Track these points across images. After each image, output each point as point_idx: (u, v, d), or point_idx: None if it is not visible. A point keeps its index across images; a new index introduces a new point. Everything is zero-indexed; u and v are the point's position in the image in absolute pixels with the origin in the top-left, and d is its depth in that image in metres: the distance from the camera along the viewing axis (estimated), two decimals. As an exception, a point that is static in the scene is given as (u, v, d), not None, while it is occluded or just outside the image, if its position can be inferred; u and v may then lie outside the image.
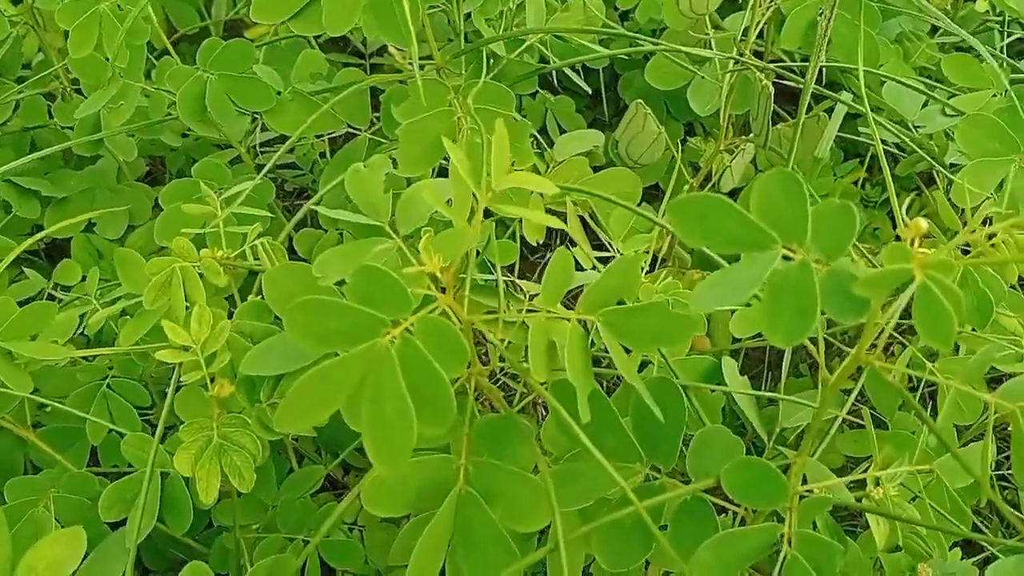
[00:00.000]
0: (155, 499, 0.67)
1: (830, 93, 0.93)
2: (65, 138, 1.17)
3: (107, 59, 0.91)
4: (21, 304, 1.01)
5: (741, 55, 0.89)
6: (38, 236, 0.88)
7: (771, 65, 0.88)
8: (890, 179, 0.75)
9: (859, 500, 0.73)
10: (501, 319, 0.61)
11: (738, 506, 0.64)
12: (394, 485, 0.60)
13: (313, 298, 0.45)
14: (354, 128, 0.94)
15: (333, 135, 1.08)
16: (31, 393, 0.84)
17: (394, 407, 0.47)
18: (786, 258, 0.45)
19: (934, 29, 1.23)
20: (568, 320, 0.57)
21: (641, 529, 0.59)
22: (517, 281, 0.76)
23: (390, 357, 0.47)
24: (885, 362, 0.57)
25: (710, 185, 1.07)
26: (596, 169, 1.02)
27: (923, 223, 0.44)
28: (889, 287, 0.42)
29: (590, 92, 1.12)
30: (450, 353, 0.48)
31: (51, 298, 0.96)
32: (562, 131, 1.22)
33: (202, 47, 0.92)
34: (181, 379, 0.66)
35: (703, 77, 0.97)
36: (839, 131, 1.07)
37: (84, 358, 0.84)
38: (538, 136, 1.09)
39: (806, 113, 0.94)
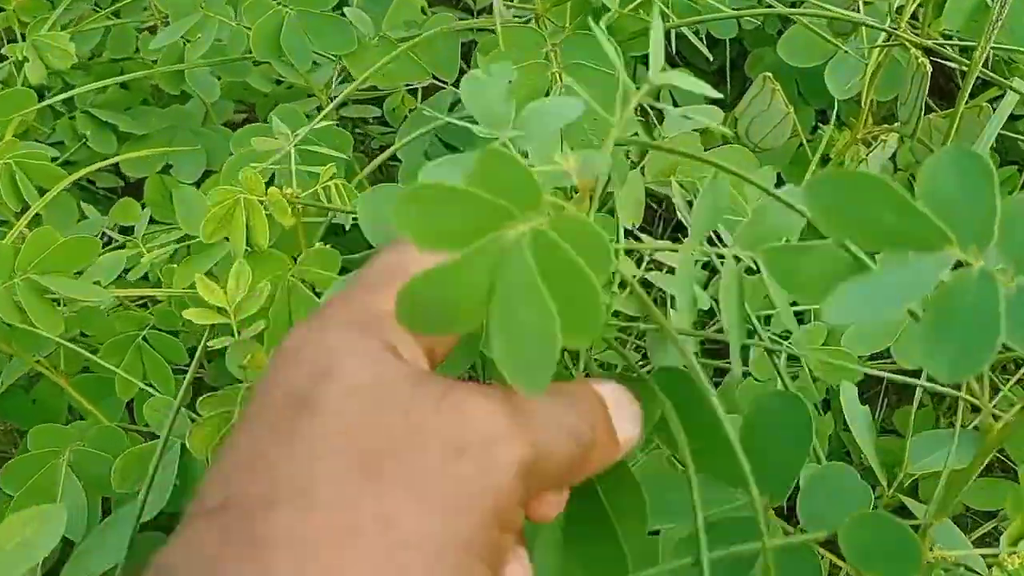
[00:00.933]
0: (170, 474, 0.59)
1: (1001, 80, 0.79)
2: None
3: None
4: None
5: (895, 28, 0.76)
6: (95, 166, 0.82)
7: (929, 43, 0.75)
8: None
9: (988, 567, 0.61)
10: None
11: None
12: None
13: (428, 184, 0.34)
14: (440, 81, 0.84)
15: (423, 89, 0.99)
16: (74, 337, 0.79)
17: (531, 313, 0.35)
18: (958, 265, 0.33)
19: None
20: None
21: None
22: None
23: (521, 251, 0.35)
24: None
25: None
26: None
27: None
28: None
29: (711, 60, 0.99)
30: (593, 250, 0.36)
31: (105, 238, 0.91)
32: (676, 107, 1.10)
33: (284, -22, 0.85)
34: (209, 344, 0.58)
35: (847, 52, 0.83)
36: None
37: (125, 305, 0.77)
38: (647, 109, 0.98)
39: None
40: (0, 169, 0.72)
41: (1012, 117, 0.99)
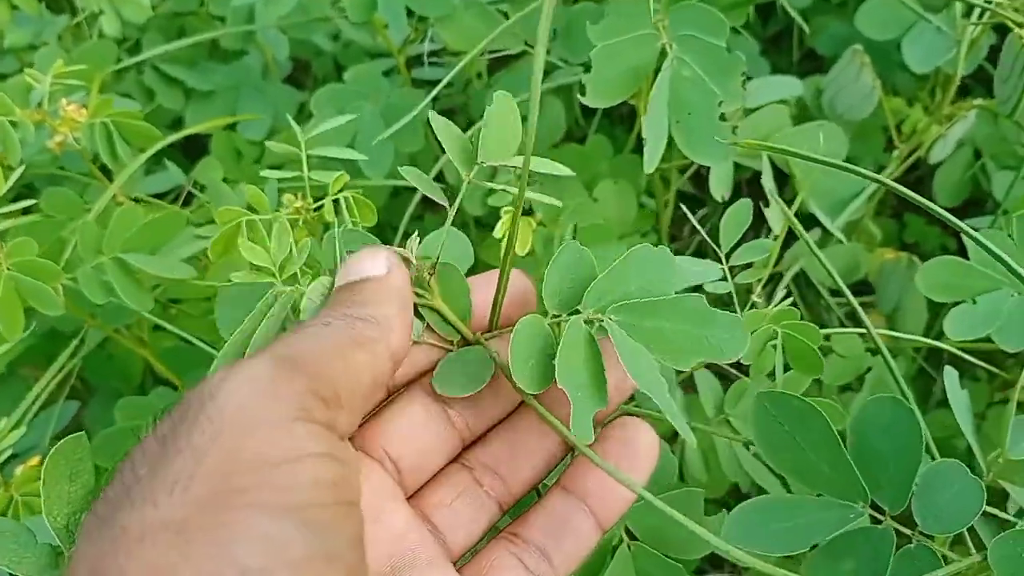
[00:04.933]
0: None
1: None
2: (214, 28, 1.11)
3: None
4: (159, 196, 0.96)
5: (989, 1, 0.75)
6: (182, 133, 0.81)
7: (1030, 20, 0.74)
8: None
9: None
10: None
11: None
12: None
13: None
14: (529, 45, 0.84)
15: (498, 54, 0.99)
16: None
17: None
18: None
19: None
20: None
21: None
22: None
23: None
24: None
25: (915, 156, 0.94)
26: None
27: None
28: None
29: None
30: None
31: (188, 197, 0.91)
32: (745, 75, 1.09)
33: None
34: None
35: (939, 28, 0.82)
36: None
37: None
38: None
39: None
40: (98, 129, 0.71)
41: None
